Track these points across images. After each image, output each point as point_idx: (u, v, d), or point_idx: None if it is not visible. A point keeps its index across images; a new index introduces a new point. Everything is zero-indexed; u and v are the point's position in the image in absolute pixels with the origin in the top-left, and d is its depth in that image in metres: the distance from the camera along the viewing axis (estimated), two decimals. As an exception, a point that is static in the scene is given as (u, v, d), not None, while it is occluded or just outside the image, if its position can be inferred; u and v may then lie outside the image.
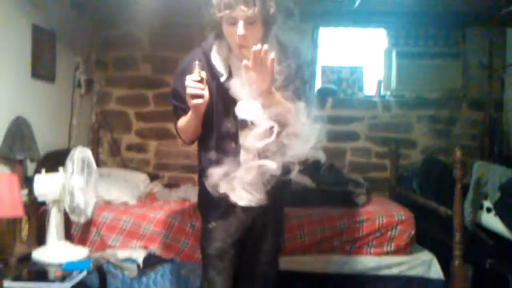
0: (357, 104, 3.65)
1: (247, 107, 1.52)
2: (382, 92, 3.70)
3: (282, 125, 1.49)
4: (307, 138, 1.50)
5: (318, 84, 3.70)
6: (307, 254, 2.43)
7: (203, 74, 1.48)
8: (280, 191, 1.64)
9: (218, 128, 1.61)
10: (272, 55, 1.40)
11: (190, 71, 1.49)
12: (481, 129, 3.58)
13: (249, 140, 1.53)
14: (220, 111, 1.60)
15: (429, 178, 3.04)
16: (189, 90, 1.46)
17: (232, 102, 1.56)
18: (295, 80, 1.57)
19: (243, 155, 1.58)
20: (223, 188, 1.56)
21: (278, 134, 1.49)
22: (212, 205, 1.65)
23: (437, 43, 3.60)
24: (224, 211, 1.64)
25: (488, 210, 2.50)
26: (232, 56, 1.60)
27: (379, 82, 3.69)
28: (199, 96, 1.46)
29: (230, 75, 1.59)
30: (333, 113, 3.62)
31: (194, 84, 1.46)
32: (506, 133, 3.47)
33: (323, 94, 3.66)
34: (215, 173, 1.55)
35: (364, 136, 3.67)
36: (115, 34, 3.65)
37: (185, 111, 1.63)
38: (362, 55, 3.80)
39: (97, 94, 3.66)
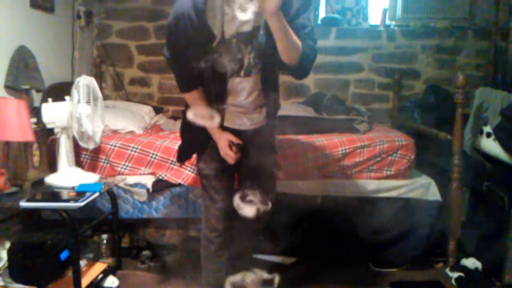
0: (361, 34, 3.60)
1: None
2: (387, 21, 3.62)
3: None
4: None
5: (322, 14, 3.62)
6: (310, 179, 2.51)
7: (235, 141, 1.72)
8: (269, 119, 1.76)
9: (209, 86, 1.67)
10: None
11: (179, 26, 1.50)
12: (486, 59, 3.54)
13: None
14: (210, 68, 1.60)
15: (431, 106, 3.07)
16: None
17: (222, 62, 1.55)
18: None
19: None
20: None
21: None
22: (202, 132, 1.73)
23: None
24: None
25: (488, 135, 2.54)
26: (228, 10, 1.49)
27: (384, 11, 3.60)
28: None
29: (222, 37, 1.52)
30: (337, 44, 3.59)
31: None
32: (511, 62, 3.43)
33: (327, 24, 3.60)
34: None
35: (368, 67, 3.65)
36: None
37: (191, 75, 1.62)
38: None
39: (97, 27, 3.61)
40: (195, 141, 1.83)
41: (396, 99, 3.54)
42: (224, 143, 1.71)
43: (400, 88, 3.57)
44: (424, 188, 2.54)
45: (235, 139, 1.72)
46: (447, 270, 2.45)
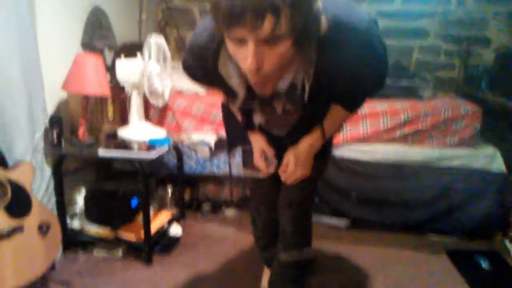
0: (428, -2, 3.45)
1: None
2: (458, -16, 3.44)
3: None
4: None
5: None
6: (369, 143, 2.51)
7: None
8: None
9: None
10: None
11: (189, 67, 1.32)
12: None
13: None
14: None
15: (501, 74, 2.92)
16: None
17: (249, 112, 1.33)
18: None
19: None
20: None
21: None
22: (237, 127, 1.49)
23: None
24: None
25: None
26: None
27: (456, -27, 3.42)
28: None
29: (250, 91, 1.16)
30: (402, 8, 3.47)
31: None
32: None
33: (393, -13, 3.47)
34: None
35: (434, 34, 3.51)
36: None
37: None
38: None
39: (163, -10, 3.71)
40: (233, 134, 1.66)
41: (463, 67, 3.40)
42: (256, 149, 1.46)
43: (468, 56, 3.41)
44: (488, 159, 2.46)
45: (267, 150, 1.44)
46: (507, 242, 2.40)
